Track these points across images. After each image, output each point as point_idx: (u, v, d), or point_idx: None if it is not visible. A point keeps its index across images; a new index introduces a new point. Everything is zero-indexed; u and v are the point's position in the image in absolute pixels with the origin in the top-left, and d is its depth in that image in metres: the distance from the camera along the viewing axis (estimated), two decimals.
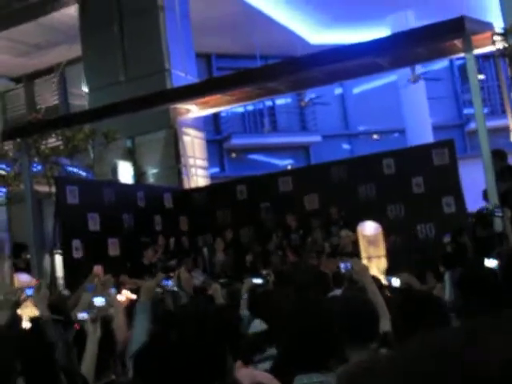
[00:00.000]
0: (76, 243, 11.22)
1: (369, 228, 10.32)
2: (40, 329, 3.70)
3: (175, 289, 5.87)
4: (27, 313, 4.94)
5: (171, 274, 7.60)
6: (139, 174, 15.38)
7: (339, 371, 2.23)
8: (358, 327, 2.95)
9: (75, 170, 14.16)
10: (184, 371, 2.09)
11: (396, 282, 5.46)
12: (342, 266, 4.84)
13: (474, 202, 10.36)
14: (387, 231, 11.12)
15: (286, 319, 2.34)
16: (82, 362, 3.27)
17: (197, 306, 4.63)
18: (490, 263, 4.80)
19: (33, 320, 4.13)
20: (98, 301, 3.96)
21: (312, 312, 2.32)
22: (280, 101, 24.30)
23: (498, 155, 9.35)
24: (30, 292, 4.74)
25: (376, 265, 9.54)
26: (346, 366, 2.35)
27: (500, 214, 8.46)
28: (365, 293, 3.90)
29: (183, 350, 2.13)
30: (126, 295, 6.32)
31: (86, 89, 16.82)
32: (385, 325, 3.39)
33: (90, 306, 3.81)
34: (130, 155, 15.49)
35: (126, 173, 15.29)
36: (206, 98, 13.32)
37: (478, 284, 3.63)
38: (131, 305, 5.01)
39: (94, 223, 11.70)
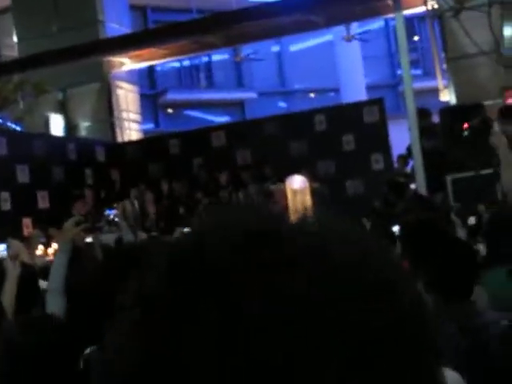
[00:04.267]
0: (4, 195, 11.05)
1: (296, 181, 10.46)
2: None
3: (117, 219, 5.88)
4: None
5: (114, 205, 7.45)
6: (71, 126, 15.11)
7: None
8: None
9: (4, 121, 13.84)
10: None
11: None
12: None
13: None
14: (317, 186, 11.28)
15: None
16: (2, 295, 3.35)
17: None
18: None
19: None
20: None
21: None
22: (216, 56, 24.11)
23: (422, 113, 9.60)
24: None
25: None
26: None
27: None
28: None
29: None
30: (54, 248, 6.32)
31: (16, 39, 16.32)
32: None
33: None
34: (62, 107, 15.18)
35: (57, 125, 15.00)
36: (140, 51, 13.14)
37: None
38: None
39: (23, 175, 11.52)
